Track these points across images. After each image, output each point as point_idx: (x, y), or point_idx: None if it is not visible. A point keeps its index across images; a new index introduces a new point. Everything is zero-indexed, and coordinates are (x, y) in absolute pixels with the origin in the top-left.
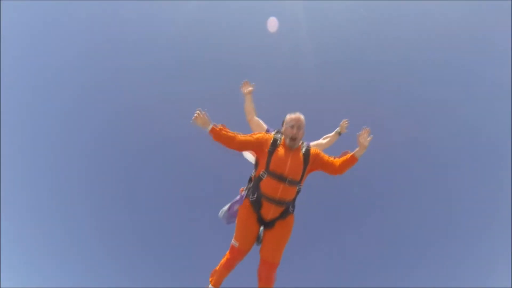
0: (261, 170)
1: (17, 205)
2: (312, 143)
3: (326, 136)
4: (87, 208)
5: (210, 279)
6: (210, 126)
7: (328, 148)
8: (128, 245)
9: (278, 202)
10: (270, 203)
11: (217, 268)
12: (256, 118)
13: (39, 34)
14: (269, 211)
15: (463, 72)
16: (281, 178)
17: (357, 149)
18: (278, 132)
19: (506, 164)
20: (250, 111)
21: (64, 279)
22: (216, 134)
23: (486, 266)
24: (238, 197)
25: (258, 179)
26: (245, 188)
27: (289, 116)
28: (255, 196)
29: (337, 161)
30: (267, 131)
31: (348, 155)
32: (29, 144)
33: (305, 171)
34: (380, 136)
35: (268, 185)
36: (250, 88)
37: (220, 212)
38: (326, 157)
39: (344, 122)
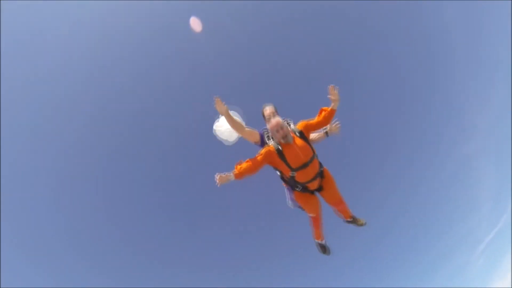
0: (288, 172)
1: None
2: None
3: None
4: (87, 208)
5: (315, 239)
6: (233, 177)
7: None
8: (127, 246)
9: (315, 178)
10: (311, 182)
11: (313, 231)
12: (247, 129)
13: None
14: (314, 185)
15: None
16: (305, 165)
17: (332, 104)
18: (268, 133)
19: None
20: (238, 126)
21: (64, 279)
22: (240, 176)
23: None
24: (287, 191)
25: (292, 177)
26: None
27: (268, 121)
28: (299, 186)
29: (321, 117)
30: (261, 134)
31: (328, 110)
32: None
33: (310, 143)
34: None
35: (302, 176)
36: (226, 107)
37: (287, 203)
38: (312, 122)
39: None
